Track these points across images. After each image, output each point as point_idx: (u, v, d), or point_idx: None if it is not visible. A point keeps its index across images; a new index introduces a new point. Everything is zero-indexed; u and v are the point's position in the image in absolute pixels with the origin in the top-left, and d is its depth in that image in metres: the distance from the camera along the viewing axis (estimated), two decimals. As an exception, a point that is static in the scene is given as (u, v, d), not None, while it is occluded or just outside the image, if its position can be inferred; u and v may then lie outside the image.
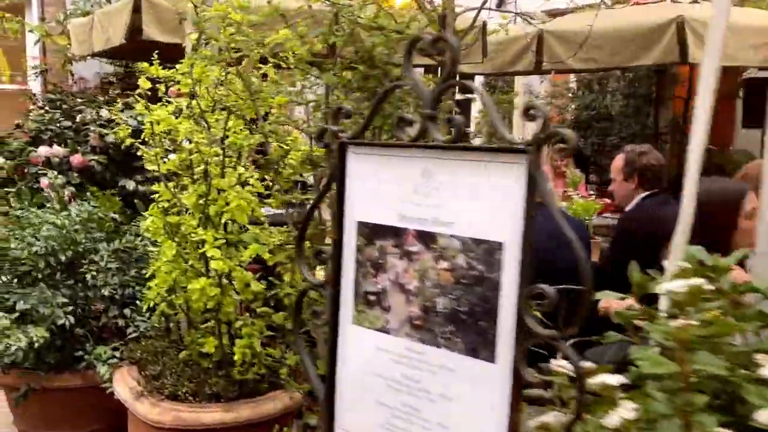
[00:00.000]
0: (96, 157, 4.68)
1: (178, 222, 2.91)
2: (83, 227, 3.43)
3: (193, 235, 2.80)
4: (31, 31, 9.30)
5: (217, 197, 2.75)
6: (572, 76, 11.28)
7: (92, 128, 4.80)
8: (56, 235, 3.28)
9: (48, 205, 3.81)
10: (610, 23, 6.56)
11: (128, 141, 3.27)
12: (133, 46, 6.55)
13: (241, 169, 2.84)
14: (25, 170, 4.96)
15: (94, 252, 3.42)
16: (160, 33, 5.97)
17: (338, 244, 1.51)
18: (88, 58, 8.98)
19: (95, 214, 3.51)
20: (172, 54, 4.01)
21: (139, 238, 3.60)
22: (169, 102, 3.08)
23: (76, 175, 4.70)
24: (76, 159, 4.68)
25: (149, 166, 3.07)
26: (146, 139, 3.17)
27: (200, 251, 2.74)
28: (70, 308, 3.37)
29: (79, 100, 5.78)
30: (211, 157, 2.80)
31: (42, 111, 5.70)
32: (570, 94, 11.51)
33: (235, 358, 2.76)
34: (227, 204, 2.70)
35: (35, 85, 9.81)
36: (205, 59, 2.80)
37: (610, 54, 6.69)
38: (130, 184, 4.69)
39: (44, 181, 4.52)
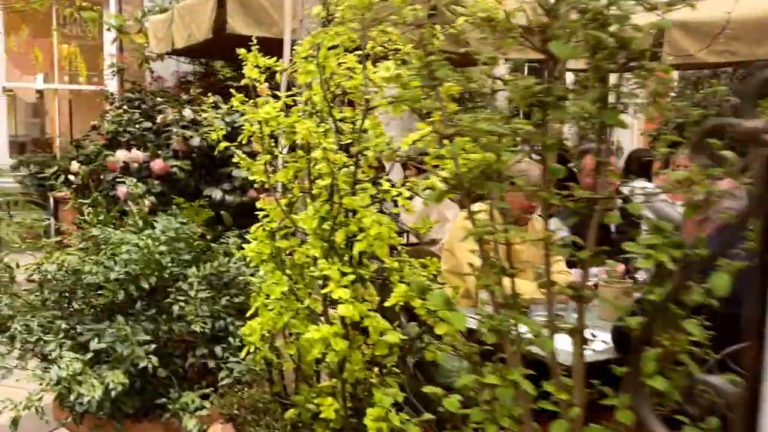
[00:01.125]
0: (178, 163, 4.14)
1: (291, 249, 2.29)
2: (169, 248, 2.84)
3: (311, 268, 2.16)
4: (108, 29, 8.96)
5: (346, 220, 2.09)
6: (675, 74, 10.38)
7: (175, 130, 4.25)
8: (138, 258, 2.70)
9: (128, 219, 3.23)
10: (749, 10, 5.69)
11: (222, 145, 2.66)
12: (215, 43, 6.05)
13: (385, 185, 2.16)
14: (101, 176, 4.46)
15: (182, 278, 2.82)
16: (245, 26, 5.42)
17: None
18: (165, 57, 8.61)
19: (183, 232, 2.91)
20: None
21: (230, 259, 2.99)
22: (276, 97, 2.45)
23: (156, 182, 4.16)
24: (157, 164, 4.13)
25: (255, 177, 2.46)
26: (243, 143, 2.56)
27: (323, 291, 2.10)
28: (153, 347, 2.78)
29: (159, 100, 5.27)
30: (339, 167, 2.14)
31: (119, 111, 5.22)
32: (672, 94, 10.56)
33: (368, 432, 2.09)
34: (360, 230, 2.04)
35: (112, 86, 9.49)
36: (337, 36, 2.14)
37: (753, 45, 5.82)
38: (217, 194, 4.11)
39: (122, 190, 3.99)
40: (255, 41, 2.79)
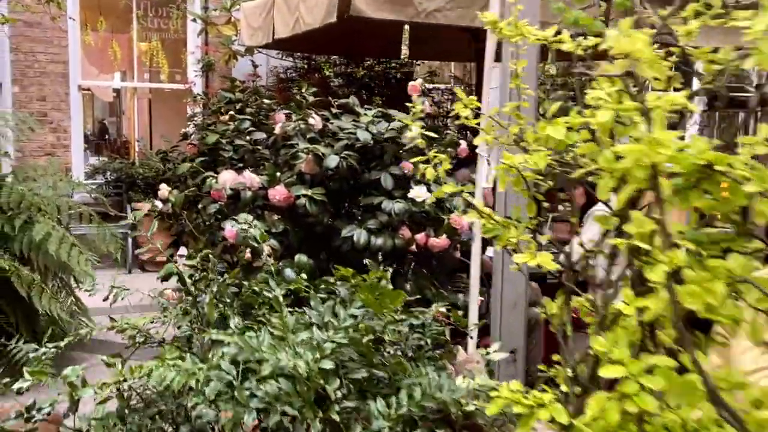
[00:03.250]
0: (308, 192, 2.97)
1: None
2: (337, 360, 1.65)
3: None
4: (194, 19, 7.97)
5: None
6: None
7: (302, 145, 3.10)
8: (289, 391, 1.54)
9: (260, 309, 2.04)
10: None
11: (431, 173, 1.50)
12: (325, 32, 4.91)
13: None
14: (200, 206, 3.36)
15: (362, 423, 1.63)
16: (375, 7, 4.26)
17: None
18: (256, 51, 7.56)
19: (364, 327, 1.72)
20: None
21: (440, 377, 1.78)
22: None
23: (276, 218, 3.02)
24: (279, 193, 2.98)
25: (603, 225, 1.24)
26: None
27: None
28: None
29: (267, 102, 4.15)
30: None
31: (223, 117, 4.13)
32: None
33: None
34: None
35: (196, 84, 8.53)
36: None
37: None
38: (360, 235, 2.94)
39: (229, 230, 2.86)
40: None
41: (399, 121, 3.12)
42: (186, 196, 3.34)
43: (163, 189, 3.41)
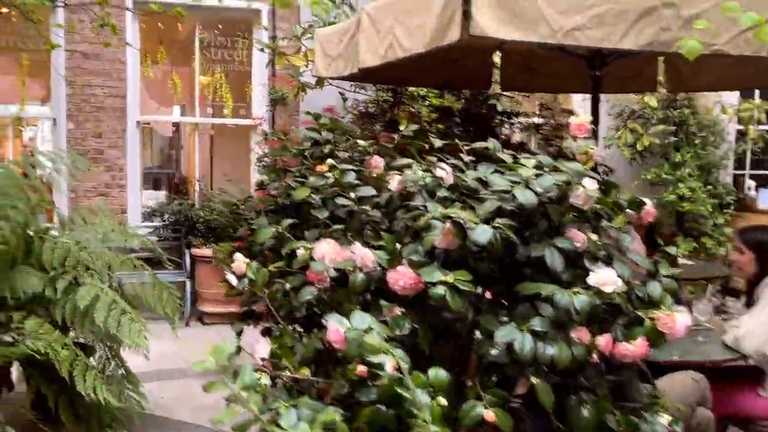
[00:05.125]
0: (449, 278, 2.08)
1: None
2: None
3: None
4: (261, 50, 7.27)
5: None
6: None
7: (429, 206, 2.22)
8: None
9: None
10: None
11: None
12: (427, 58, 4.08)
13: None
14: (287, 286, 2.49)
15: None
16: (500, 27, 3.39)
17: None
18: (327, 83, 6.80)
19: None
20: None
21: None
22: None
23: (399, 311, 2.14)
24: (404, 277, 2.11)
25: None
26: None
27: None
28: None
29: (362, 144, 3.30)
30: None
31: (303, 160, 3.31)
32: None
33: None
34: None
35: (259, 117, 7.83)
36: None
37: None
38: (525, 342, 2.02)
39: (335, 330, 1.98)
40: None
41: (565, 172, 2.23)
42: (271, 272, 2.49)
43: (239, 261, 2.57)
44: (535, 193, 2.13)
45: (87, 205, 7.36)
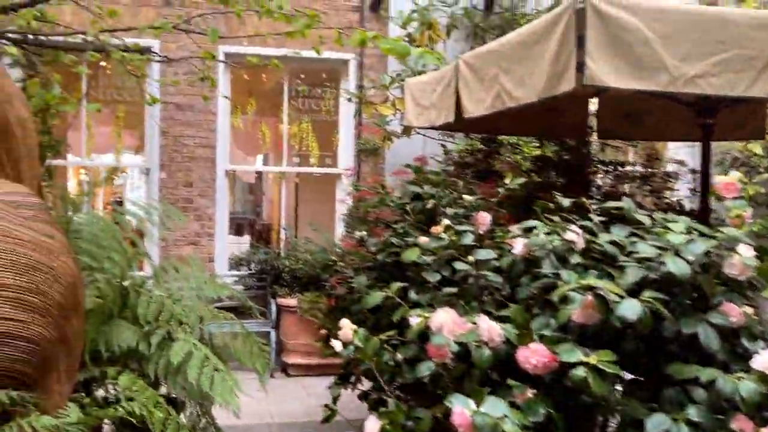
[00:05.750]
0: (591, 359, 1.84)
1: None
2: None
3: None
4: (349, 99, 7.25)
5: None
6: None
7: (564, 275, 1.99)
8: None
9: None
10: None
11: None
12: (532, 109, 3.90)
13: None
14: (399, 356, 2.30)
15: None
16: (617, 76, 3.17)
17: None
18: (414, 132, 6.69)
19: None
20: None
21: None
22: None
23: (530, 393, 1.91)
24: (537, 355, 1.88)
25: None
26: None
27: None
28: None
29: (467, 199, 3.11)
30: None
31: (405, 215, 3.13)
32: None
33: None
34: None
35: (345, 166, 7.77)
36: None
37: None
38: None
39: (461, 414, 1.77)
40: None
41: (716, 238, 1.97)
42: (380, 341, 2.31)
43: (346, 328, 2.40)
44: (688, 261, 1.88)
45: (177, 254, 7.43)
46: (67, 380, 3.14)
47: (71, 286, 3.01)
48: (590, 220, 2.28)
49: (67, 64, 3.46)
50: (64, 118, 7.91)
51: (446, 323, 2.10)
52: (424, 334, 2.19)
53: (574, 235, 2.17)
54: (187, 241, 7.56)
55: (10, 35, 3.03)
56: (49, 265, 2.84)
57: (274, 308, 7.44)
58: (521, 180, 3.20)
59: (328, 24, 4.82)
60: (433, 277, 2.48)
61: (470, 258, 2.38)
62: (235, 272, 7.77)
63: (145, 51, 3.20)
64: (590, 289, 1.87)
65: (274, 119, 8.69)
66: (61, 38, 3.31)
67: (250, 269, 7.74)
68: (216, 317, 4.65)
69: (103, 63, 7.44)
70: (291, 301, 7.24)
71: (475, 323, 2.07)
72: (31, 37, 3.08)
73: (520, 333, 1.96)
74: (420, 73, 6.47)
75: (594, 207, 2.33)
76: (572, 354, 1.84)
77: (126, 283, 4.28)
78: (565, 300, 1.91)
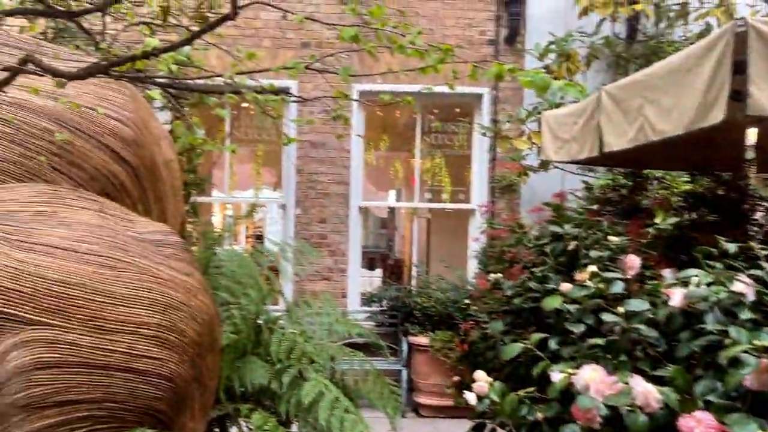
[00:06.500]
0: (768, 433, 1.57)
1: None
2: None
3: None
4: (483, 133, 7.11)
5: None
6: None
7: (733, 333, 1.74)
8: None
9: None
10: None
11: None
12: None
13: None
14: (538, 414, 2.11)
15: None
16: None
17: None
18: (551, 167, 6.45)
19: None
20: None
21: None
22: None
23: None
24: (702, 424, 1.64)
25: None
26: None
27: None
28: None
29: (613, 242, 2.86)
30: None
31: (544, 257, 2.93)
32: None
33: None
34: None
35: (478, 201, 7.60)
36: None
37: None
38: None
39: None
40: None
41: None
42: (517, 397, 2.13)
43: (481, 380, 2.23)
44: None
45: (311, 289, 7.53)
46: (201, 417, 3.17)
47: (207, 324, 3.04)
48: (761, 268, 2.00)
49: (210, 106, 3.56)
50: (208, 157, 8.32)
51: (593, 382, 1.89)
52: (567, 392, 1.98)
53: (744, 286, 1.90)
54: (321, 276, 7.65)
55: (157, 80, 3.15)
56: (186, 304, 2.88)
57: (405, 346, 7.34)
58: (673, 219, 2.91)
59: (462, 58, 4.75)
60: (577, 328, 2.27)
61: (619, 308, 2.16)
62: (367, 308, 7.76)
63: (281, 92, 3.24)
64: (766, 350, 1.61)
65: (406, 154, 8.70)
66: (202, 81, 3.42)
67: (382, 306, 7.71)
68: (347, 356, 4.61)
69: (245, 104, 7.77)
70: (423, 340, 7.12)
71: (627, 383, 1.85)
72: (176, 81, 3.21)
73: (681, 398, 1.72)
74: (558, 105, 6.24)
75: (764, 253, 2.04)
76: (745, 426, 1.59)
77: (260, 320, 4.33)
78: (735, 362, 1.65)
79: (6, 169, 3.14)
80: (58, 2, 4.50)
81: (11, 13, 2.90)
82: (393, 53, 2.51)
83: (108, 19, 5.12)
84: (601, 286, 2.29)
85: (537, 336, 2.28)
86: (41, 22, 5.01)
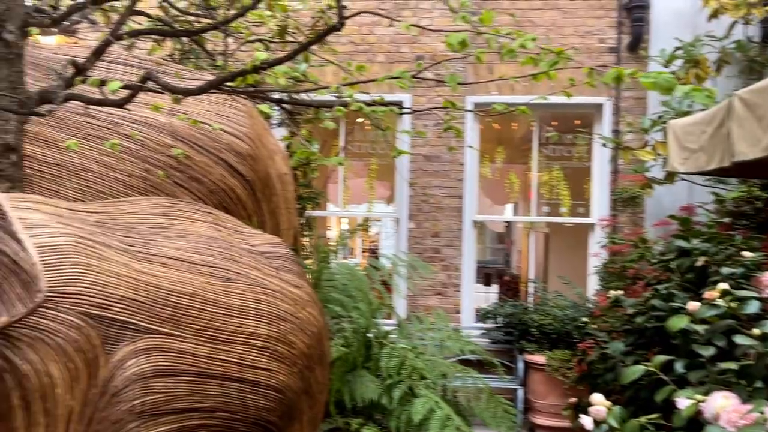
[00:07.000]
0: None
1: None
2: None
3: None
4: (604, 144, 6.82)
5: None
6: None
7: None
8: None
9: None
10: None
11: None
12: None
13: None
14: (664, 444, 1.94)
15: None
16: None
17: None
18: (677, 178, 6.08)
19: None
20: None
21: None
22: None
23: None
24: None
25: None
26: None
27: None
28: None
29: (748, 258, 2.62)
30: None
31: (665, 273, 2.73)
32: None
33: None
34: None
35: (598, 215, 7.29)
36: None
37: None
38: None
39: None
40: None
41: None
42: (639, 425, 1.97)
43: (599, 404, 2.08)
44: None
45: (424, 304, 7.47)
46: (311, 430, 3.17)
47: (316, 337, 3.04)
48: None
49: (323, 120, 3.60)
50: (323, 171, 8.47)
51: (725, 411, 1.71)
52: (695, 421, 1.81)
53: None
54: (434, 291, 7.58)
55: (271, 95, 3.21)
56: (295, 315, 2.89)
57: (521, 365, 7.12)
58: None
59: (580, 65, 4.56)
60: (706, 351, 2.08)
61: (755, 330, 1.95)
62: (482, 325, 7.60)
63: (390, 104, 3.22)
64: None
65: (523, 167, 8.49)
66: (312, 95, 3.46)
67: (497, 322, 7.52)
68: (459, 373, 4.52)
69: (359, 119, 7.86)
70: (540, 358, 6.88)
71: (762, 413, 1.66)
72: (286, 96, 3.26)
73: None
74: (685, 114, 5.89)
75: None
76: None
77: (370, 334, 4.33)
78: None
79: (131, 183, 3.30)
80: (183, 25, 4.72)
81: (137, 34, 3.05)
82: (502, 58, 2.42)
83: (230, 39, 5.33)
84: (734, 305, 2.08)
85: (661, 358, 2.10)
86: (168, 44, 5.28)
